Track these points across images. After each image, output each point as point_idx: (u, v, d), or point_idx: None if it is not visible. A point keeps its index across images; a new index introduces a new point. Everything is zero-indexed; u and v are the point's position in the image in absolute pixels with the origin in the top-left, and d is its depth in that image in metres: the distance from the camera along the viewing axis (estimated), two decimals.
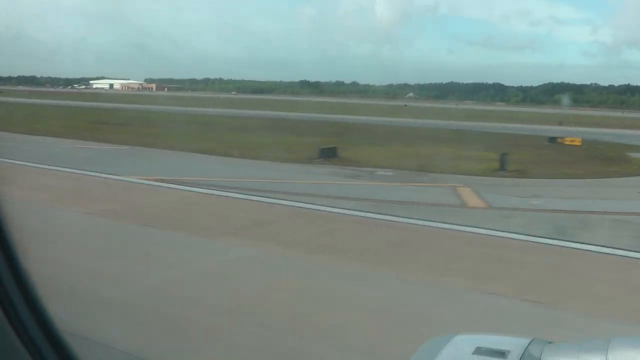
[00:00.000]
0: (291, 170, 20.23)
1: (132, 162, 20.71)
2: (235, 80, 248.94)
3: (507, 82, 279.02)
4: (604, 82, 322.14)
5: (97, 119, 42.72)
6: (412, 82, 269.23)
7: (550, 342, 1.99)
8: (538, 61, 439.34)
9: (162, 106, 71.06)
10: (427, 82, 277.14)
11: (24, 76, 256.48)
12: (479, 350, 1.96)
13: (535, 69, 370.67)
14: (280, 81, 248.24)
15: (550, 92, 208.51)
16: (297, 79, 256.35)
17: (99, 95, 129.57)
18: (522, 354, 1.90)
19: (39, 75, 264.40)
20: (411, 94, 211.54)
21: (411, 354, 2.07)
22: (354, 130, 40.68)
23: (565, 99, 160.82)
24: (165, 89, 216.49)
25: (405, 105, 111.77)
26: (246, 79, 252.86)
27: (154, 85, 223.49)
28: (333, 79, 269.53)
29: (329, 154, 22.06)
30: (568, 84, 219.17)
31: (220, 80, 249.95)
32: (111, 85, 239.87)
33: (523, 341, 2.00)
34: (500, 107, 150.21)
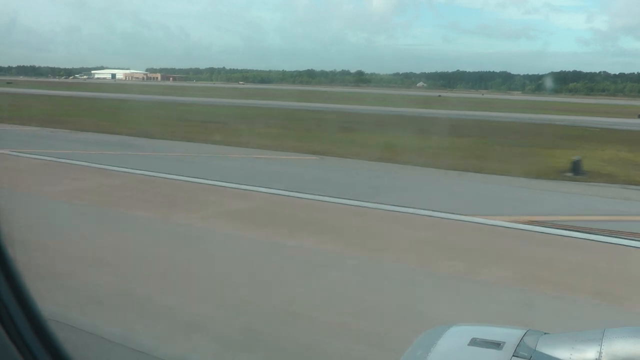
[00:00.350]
0: (602, 194, 13.81)
1: (391, 186, 14.56)
2: (237, 69, 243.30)
3: (511, 70, 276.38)
4: (613, 70, 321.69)
5: (181, 117, 37.72)
6: (412, 70, 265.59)
7: (545, 333, 2.00)
8: (537, 49, 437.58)
9: (197, 98, 65.53)
10: (430, 70, 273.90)
11: (23, 66, 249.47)
12: (474, 341, 1.97)
13: (535, 57, 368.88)
14: (284, 71, 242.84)
15: (561, 81, 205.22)
16: (296, 69, 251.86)
17: (111, 85, 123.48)
18: (518, 344, 1.91)
19: (37, 65, 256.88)
20: (422, 83, 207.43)
21: (408, 346, 2.05)
22: (474, 128, 36.08)
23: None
24: (171, 78, 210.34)
25: (440, 96, 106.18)
26: (247, 68, 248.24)
27: (158, 75, 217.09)
28: (331, 67, 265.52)
29: (576, 167, 17.65)
30: (580, 72, 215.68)
31: (224, 70, 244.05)
32: (113, 75, 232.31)
33: (518, 332, 2.01)
34: (517, 96, 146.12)
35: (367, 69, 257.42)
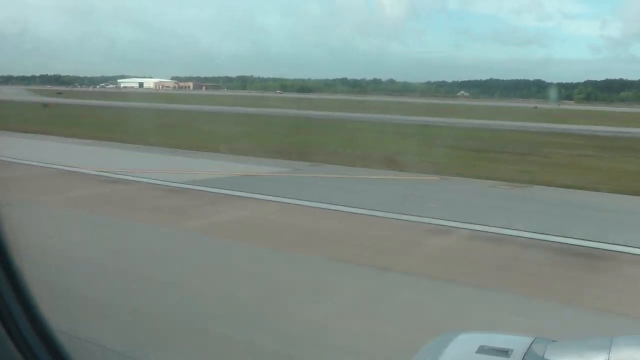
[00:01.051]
0: None
1: None
2: (268, 78, 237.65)
3: (543, 78, 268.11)
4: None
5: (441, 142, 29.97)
6: (427, 78, 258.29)
7: (553, 341, 1.97)
8: (552, 56, 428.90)
9: (290, 110, 58.69)
10: (464, 79, 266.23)
11: (47, 75, 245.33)
12: (482, 349, 1.95)
13: (566, 64, 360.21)
14: (320, 79, 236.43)
15: (607, 90, 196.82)
16: (318, 77, 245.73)
17: (154, 95, 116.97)
18: (526, 352, 1.90)
19: (63, 74, 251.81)
20: (463, 92, 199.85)
21: (415, 352, 2.04)
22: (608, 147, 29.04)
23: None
24: (203, 87, 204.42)
25: (536, 107, 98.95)
26: (274, 76, 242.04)
27: (190, 84, 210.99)
28: (351, 75, 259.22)
29: None
30: (627, 80, 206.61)
31: (251, 78, 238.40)
32: (141, 84, 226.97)
33: (526, 340, 1.99)
34: (574, 105, 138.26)
35: (382, 77, 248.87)
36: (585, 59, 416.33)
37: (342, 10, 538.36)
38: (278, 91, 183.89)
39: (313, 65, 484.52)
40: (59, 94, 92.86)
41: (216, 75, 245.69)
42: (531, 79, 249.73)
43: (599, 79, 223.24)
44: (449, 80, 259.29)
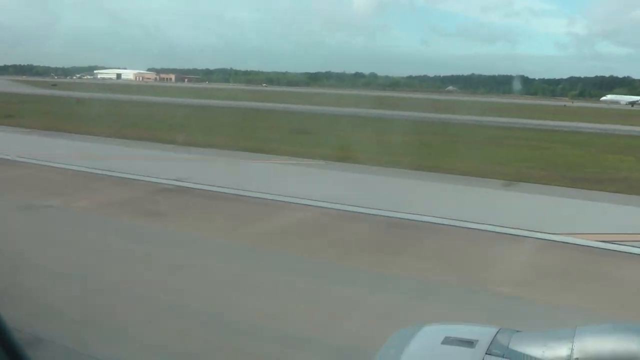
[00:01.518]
0: None
1: None
2: (252, 71, 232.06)
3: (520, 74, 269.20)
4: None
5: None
6: (410, 73, 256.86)
7: (517, 331, 2.00)
8: (519, 52, 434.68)
9: (302, 105, 54.57)
10: (445, 74, 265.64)
11: (20, 65, 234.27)
12: (447, 340, 1.97)
13: (520, 59, 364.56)
14: (297, 72, 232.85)
15: (598, 86, 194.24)
16: (296, 70, 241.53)
17: (137, 87, 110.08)
18: (491, 342, 1.92)
19: (35, 64, 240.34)
20: (451, 87, 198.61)
21: (379, 346, 2.03)
22: None
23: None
24: (186, 80, 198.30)
25: (565, 105, 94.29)
26: (249, 69, 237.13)
27: (172, 76, 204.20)
28: (316, 69, 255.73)
29: None
30: (617, 77, 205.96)
31: (234, 71, 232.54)
32: (119, 76, 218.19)
33: (491, 330, 2.01)
34: (580, 102, 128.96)
35: (357, 70, 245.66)
36: (558, 55, 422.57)
37: (317, 5, 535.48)
38: (264, 84, 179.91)
39: (288, 58, 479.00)
40: (54, 85, 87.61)
41: (190, 67, 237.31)
42: (513, 74, 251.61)
43: (582, 76, 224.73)
44: (430, 74, 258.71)
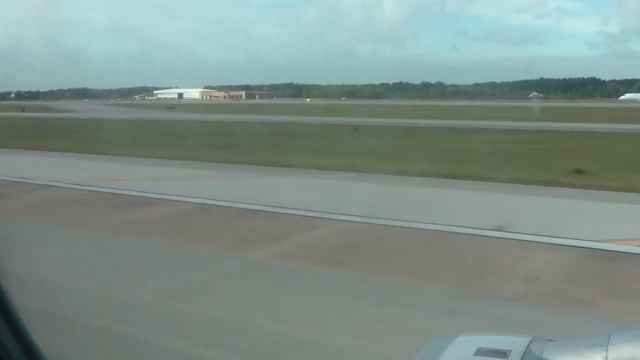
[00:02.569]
0: None
1: None
2: (325, 85, 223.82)
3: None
4: None
5: None
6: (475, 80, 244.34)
7: (550, 340, 1.97)
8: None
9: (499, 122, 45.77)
10: (510, 79, 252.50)
11: (75, 88, 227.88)
12: (480, 351, 1.95)
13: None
14: (370, 84, 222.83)
15: None
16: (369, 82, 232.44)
17: (268, 108, 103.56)
18: (524, 352, 1.89)
19: (89, 88, 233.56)
20: (535, 94, 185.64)
21: (412, 357, 2.03)
22: None
23: None
24: (257, 96, 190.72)
25: None
26: (311, 83, 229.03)
27: (242, 93, 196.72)
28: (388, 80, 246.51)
29: None
30: None
31: (306, 86, 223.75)
32: (180, 95, 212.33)
33: (524, 340, 1.98)
34: None
35: (427, 80, 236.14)
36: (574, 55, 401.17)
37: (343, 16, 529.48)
38: (343, 98, 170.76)
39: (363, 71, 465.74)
40: (171, 108, 79.69)
41: (251, 83, 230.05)
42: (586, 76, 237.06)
43: None
44: (497, 81, 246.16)
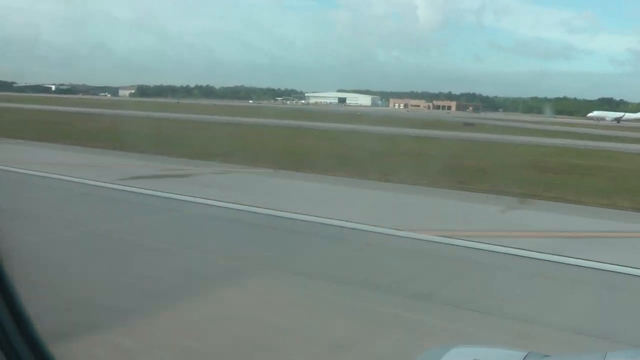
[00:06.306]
0: None
1: None
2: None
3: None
4: None
5: None
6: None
7: (546, 356, 1.90)
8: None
9: None
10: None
11: (200, 86, 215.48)
12: None
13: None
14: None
15: None
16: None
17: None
18: None
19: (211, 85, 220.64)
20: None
21: None
22: None
23: None
24: (470, 108, 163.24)
25: None
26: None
27: (452, 104, 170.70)
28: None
29: None
30: None
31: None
32: (342, 100, 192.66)
33: (519, 354, 1.91)
34: None
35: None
36: None
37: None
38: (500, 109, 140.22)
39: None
40: (470, 126, 58.78)
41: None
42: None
43: None
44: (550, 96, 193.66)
